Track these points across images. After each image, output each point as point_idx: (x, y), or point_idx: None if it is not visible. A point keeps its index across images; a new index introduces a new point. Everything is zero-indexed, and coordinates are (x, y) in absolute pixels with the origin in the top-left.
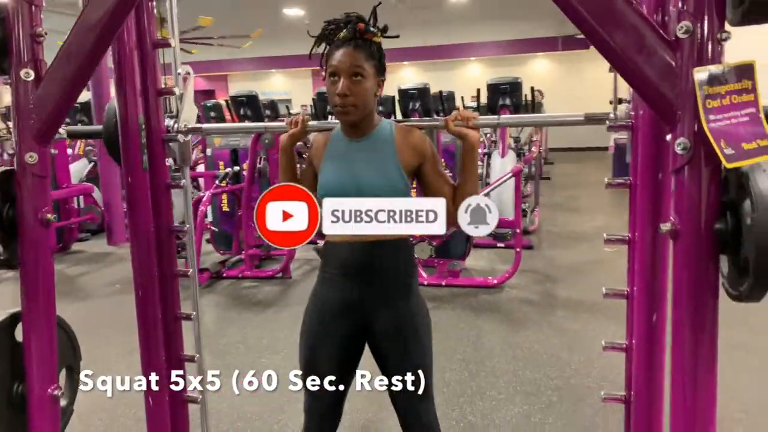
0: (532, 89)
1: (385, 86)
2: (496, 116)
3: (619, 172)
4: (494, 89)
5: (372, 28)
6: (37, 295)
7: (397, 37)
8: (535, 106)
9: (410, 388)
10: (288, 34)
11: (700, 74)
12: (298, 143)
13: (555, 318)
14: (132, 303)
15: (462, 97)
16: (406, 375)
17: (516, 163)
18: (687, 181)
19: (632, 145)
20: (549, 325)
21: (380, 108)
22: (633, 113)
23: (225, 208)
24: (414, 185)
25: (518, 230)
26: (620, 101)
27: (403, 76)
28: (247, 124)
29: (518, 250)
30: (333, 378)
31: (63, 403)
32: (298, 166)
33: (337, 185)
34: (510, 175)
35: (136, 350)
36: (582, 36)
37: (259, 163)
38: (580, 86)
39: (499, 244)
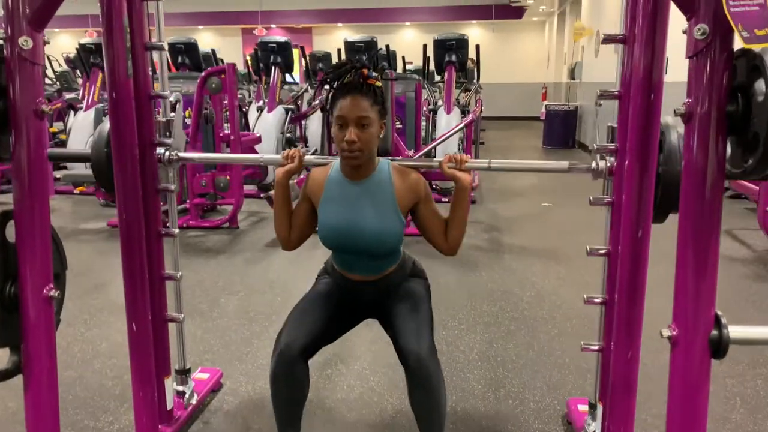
0: (477, 48)
1: (324, 44)
2: (486, 160)
3: (548, 138)
4: (441, 45)
5: (374, 74)
6: (30, 188)
7: (395, 79)
8: (480, 67)
9: (412, 320)
10: None
11: None
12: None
13: (504, 261)
14: (72, 250)
15: (403, 57)
16: (408, 318)
17: (460, 119)
18: (702, 65)
19: (619, 115)
20: (499, 266)
21: (320, 65)
22: (623, 67)
23: None
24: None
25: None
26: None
27: (338, 38)
28: (240, 156)
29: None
30: (319, 319)
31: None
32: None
33: (337, 228)
34: (463, 125)
35: (86, 293)
36: (516, 4)
37: (206, 109)
38: (512, 55)
39: (444, 199)
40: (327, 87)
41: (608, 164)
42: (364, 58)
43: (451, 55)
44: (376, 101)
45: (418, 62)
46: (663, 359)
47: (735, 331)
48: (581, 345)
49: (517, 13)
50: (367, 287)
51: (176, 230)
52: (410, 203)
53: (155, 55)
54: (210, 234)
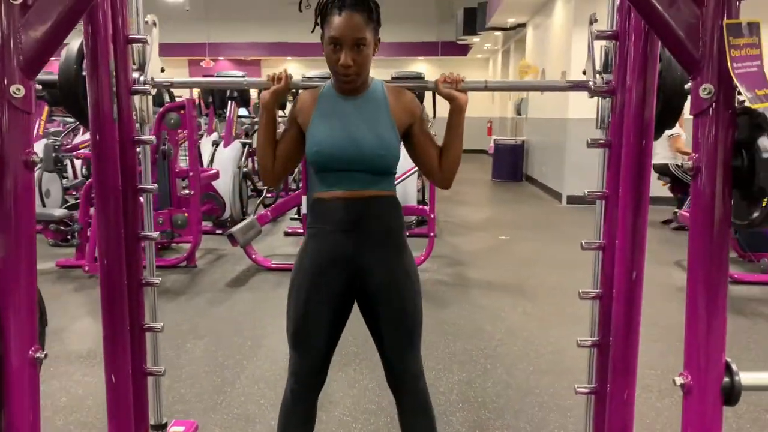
0: (434, 93)
1: (261, 74)
2: (483, 80)
3: (497, 172)
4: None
5: None
6: (17, 248)
7: None
8: (435, 104)
9: (402, 340)
10: (165, 19)
11: (729, 26)
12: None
13: (471, 296)
14: None
15: None
16: (399, 329)
17: None
18: (709, 123)
19: (612, 110)
20: (468, 302)
21: None
22: (614, 81)
23: None
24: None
25: (432, 215)
26: (597, 72)
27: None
28: (223, 79)
29: (432, 234)
30: (322, 337)
31: None
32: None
33: (332, 142)
34: (415, 168)
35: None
36: (462, 42)
37: (163, 145)
38: None
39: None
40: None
41: (605, 80)
42: None
43: None
44: (371, 17)
45: None
46: (652, 398)
47: (747, 378)
48: (574, 388)
49: (463, 50)
50: (359, 208)
51: (158, 280)
52: (405, 122)
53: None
54: (167, 274)
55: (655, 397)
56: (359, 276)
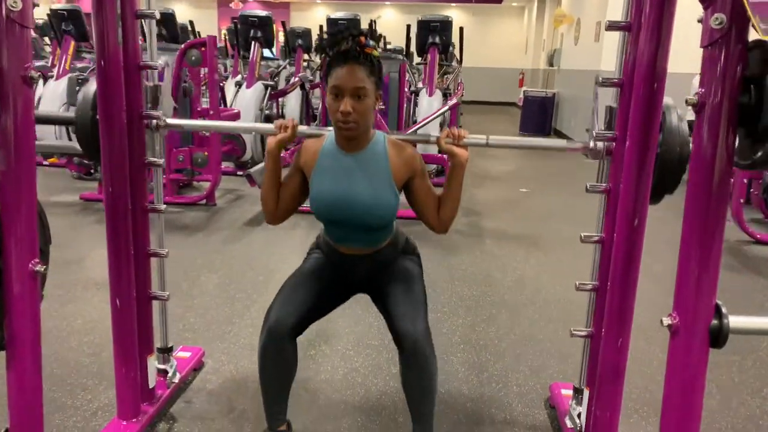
0: (461, 30)
1: (302, 20)
2: (484, 136)
3: (525, 125)
4: (425, 26)
5: (371, 42)
6: (17, 158)
7: (401, 52)
8: (462, 49)
9: (409, 308)
10: None
11: None
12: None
13: (484, 245)
14: (50, 224)
15: (384, 36)
16: (405, 301)
17: (442, 102)
18: (717, 55)
19: (620, 102)
20: (480, 250)
21: (299, 42)
22: (626, 54)
23: None
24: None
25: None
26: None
27: (316, 15)
28: (231, 124)
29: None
30: (309, 295)
31: None
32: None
33: (331, 199)
34: (447, 108)
35: (60, 268)
36: None
37: (184, 82)
38: (491, 39)
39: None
40: (323, 55)
41: (606, 145)
42: None
43: (435, 37)
44: (373, 72)
45: (397, 43)
46: (646, 346)
47: (735, 321)
48: (570, 331)
49: None
50: (360, 262)
51: (163, 206)
52: (405, 177)
53: (144, 24)
54: (187, 211)
55: (645, 339)
56: (361, 286)
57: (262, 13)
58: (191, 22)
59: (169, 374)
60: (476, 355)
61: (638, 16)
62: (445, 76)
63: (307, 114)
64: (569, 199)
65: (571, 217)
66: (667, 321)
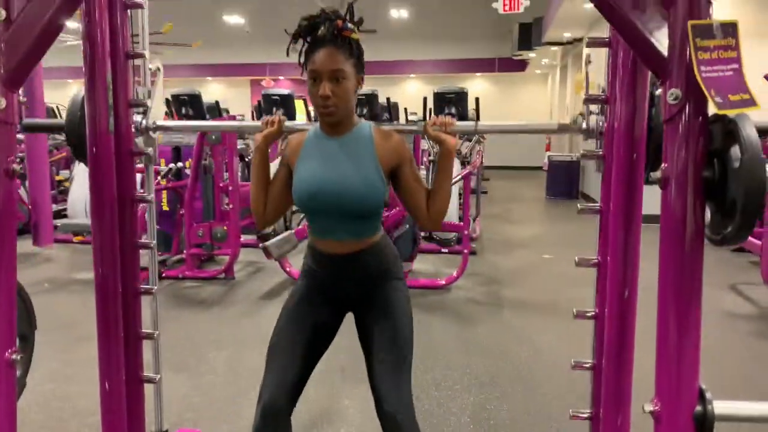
0: (477, 100)
1: None
2: (473, 122)
3: (551, 189)
4: (441, 98)
5: (350, 25)
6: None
7: (374, 31)
8: (478, 117)
9: (391, 368)
10: (227, 41)
11: (695, 27)
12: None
13: (502, 316)
14: (61, 301)
15: (405, 109)
16: (388, 356)
17: (459, 169)
18: (677, 130)
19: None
20: (497, 322)
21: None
22: (606, 123)
23: (165, 207)
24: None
25: (466, 232)
26: (590, 113)
27: None
28: (219, 123)
29: (466, 251)
30: (298, 356)
31: (17, 372)
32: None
33: (314, 182)
34: (459, 177)
35: (71, 346)
36: (518, 57)
37: (205, 160)
38: (514, 106)
39: (443, 250)
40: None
41: (599, 122)
42: (365, 110)
43: (451, 108)
44: (352, 54)
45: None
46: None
47: (720, 406)
48: (570, 413)
49: (521, 65)
50: (345, 265)
51: (155, 287)
52: (392, 163)
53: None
54: (206, 285)
55: None
56: (349, 307)
57: (284, 91)
58: (217, 102)
59: None
60: None
61: (614, 86)
62: (464, 144)
63: None
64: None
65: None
66: (648, 407)
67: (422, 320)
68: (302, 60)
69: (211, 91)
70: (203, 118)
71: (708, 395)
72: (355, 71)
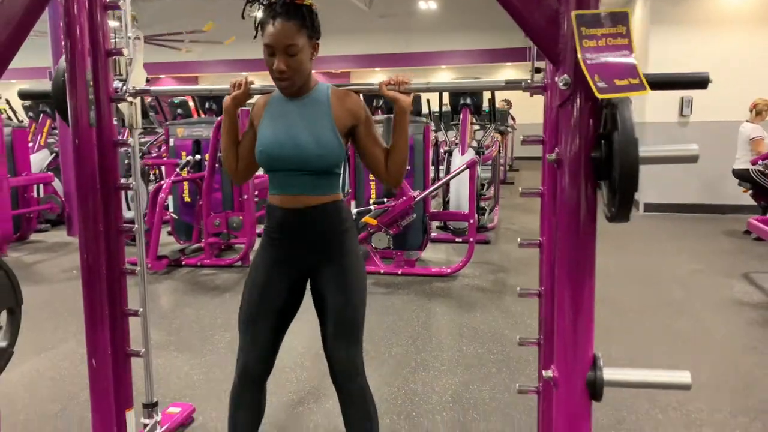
0: (492, 93)
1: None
2: (426, 82)
3: None
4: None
5: None
6: None
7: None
8: (494, 109)
9: (344, 332)
10: (259, 37)
11: (580, 16)
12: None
13: (503, 302)
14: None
15: (428, 100)
16: (341, 320)
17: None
18: (568, 114)
19: (544, 108)
20: (496, 308)
21: None
22: (548, 81)
23: (186, 199)
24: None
25: (471, 221)
26: (538, 70)
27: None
28: (195, 87)
29: (471, 240)
30: (269, 323)
31: (2, 344)
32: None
33: (273, 141)
34: (464, 166)
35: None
36: None
37: (221, 152)
38: None
39: (457, 239)
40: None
41: (544, 78)
42: (381, 102)
43: (466, 99)
44: (305, 24)
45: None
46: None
47: (610, 373)
48: (517, 387)
49: None
50: (304, 218)
51: (138, 268)
52: (348, 123)
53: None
54: (221, 272)
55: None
56: (306, 273)
57: None
58: None
59: (148, 428)
60: (463, 414)
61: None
62: (477, 133)
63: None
64: (608, 254)
65: (604, 272)
66: (548, 374)
67: (422, 305)
68: (258, 28)
69: None
70: None
71: (600, 362)
72: (308, 40)
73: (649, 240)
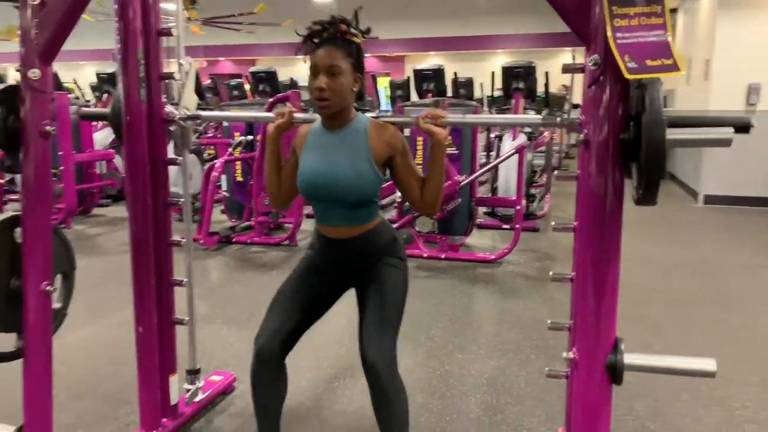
0: (546, 75)
1: (406, 71)
2: (462, 115)
3: None
4: (508, 72)
5: (353, 30)
6: (35, 197)
7: (375, 38)
8: (548, 93)
9: (375, 321)
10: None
11: None
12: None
13: (546, 290)
14: None
15: (481, 84)
16: (374, 314)
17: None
18: (597, 94)
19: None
20: (540, 295)
21: (398, 92)
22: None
23: (239, 178)
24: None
25: (518, 207)
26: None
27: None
28: (240, 114)
29: (518, 227)
30: (295, 315)
31: (57, 305)
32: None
33: (313, 172)
34: (513, 151)
35: None
36: None
37: (264, 176)
38: None
39: (504, 226)
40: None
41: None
42: (431, 85)
43: (519, 82)
44: (350, 54)
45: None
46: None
47: (631, 357)
48: (546, 371)
49: None
50: (344, 247)
51: (184, 240)
52: (385, 155)
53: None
54: (270, 250)
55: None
56: (347, 285)
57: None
58: (292, 79)
59: (190, 393)
60: (497, 397)
61: None
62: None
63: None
64: (661, 245)
65: (654, 264)
66: (568, 355)
67: (464, 290)
68: (307, 58)
69: (302, 68)
70: (278, 93)
71: (621, 346)
72: (352, 69)
73: (708, 232)
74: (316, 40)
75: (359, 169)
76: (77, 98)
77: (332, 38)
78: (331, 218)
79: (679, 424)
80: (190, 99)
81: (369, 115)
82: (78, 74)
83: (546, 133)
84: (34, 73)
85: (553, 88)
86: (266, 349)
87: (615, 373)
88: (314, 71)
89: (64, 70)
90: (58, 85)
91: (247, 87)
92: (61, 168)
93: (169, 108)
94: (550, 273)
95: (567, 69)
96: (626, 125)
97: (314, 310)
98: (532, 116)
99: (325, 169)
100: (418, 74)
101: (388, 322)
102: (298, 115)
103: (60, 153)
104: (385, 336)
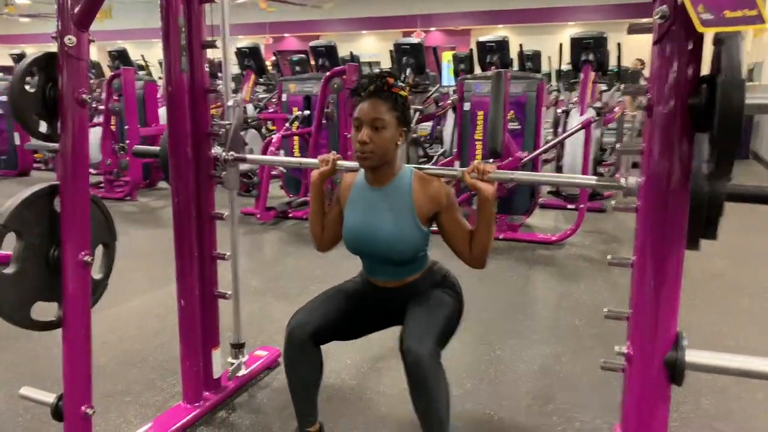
0: (618, 45)
1: (471, 45)
2: (511, 171)
3: None
4: (577, 44)
5: (400, 83)
6: (73, 166)
7: (424, 91)
8: (620, 67)
9: (422, 326)
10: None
11: None
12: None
13: (610, 274)
14: None
15: (549, 57)
16: (422, 318)
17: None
18: (664, 52)
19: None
20: (603, 279)
21: (462, 66)
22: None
23: (296, 153)
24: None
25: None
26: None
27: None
28: (285, 158)
29: (582, 207)
30: (334, 316)
31: (98, 276)
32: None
33: (357, 231)
34: (579, 126)
35: None
36: None
37: (327, 108)
38: None
39: (568, 206)
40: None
41: (638, 182)
42: (495, 57)
43: (588, 54)
44: (395, 107)
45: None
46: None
47: (693, 355)
48: (601, 363)
49: None
50: (390, 294)
51: (226, 213)
52: (430, 211)
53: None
54: None
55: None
56: (396, 319)
57: (415, 40)
58: (351, 53)
59: (233, 368)
60: (549, 386)
61: None
62: (605, 94)
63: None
64: (745, 233)
65: (733, 253)
66: (621, 349)
67: (521, 273)
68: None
69: (365, 44)
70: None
71: (683, 343)
72: (396, 123)
73: None
74: (363, 94)
75: (402, 228)
76: (149, 74)
77: (378, 91)
78: (377, 272)
79: (752, 427)
80: (237, 140)
81: (411, 166)
82: (150, 52)
83: (617, 108)
84: (71, 39)
85: (627, 63)
86: (295, 334)
87: (675, 371)
88: (358, 124)
89: (134, 47)
90: (128, 62)
91: (312, 62)
92: (128, 141)
93: (217, 150)
94: (608, 257)
95: (633, 29)
96: (697, 88)
97: (353, 328)
98: (586, 177)
99: (367, 228)
100: (482, 46)
101: (433, 327)
102: (342, 163)
103: (126, 127)
104: (428, 334)
